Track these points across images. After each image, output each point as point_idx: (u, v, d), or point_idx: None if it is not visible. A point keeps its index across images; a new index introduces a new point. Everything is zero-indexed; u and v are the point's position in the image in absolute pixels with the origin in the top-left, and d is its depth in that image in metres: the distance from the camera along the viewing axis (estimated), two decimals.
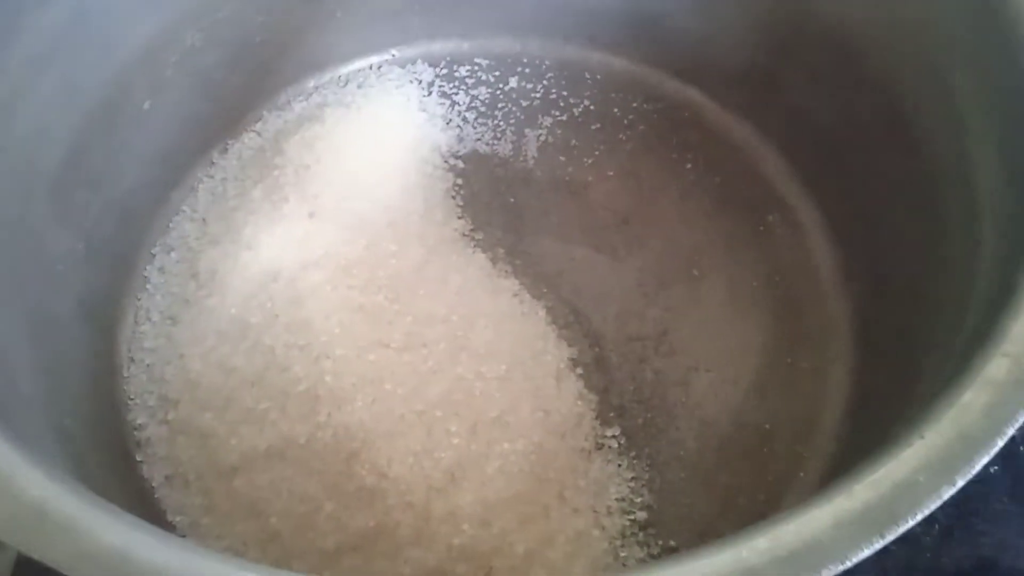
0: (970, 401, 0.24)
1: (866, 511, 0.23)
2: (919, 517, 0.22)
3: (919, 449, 0.24)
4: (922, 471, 0.23)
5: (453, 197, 0.51)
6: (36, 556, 0.23)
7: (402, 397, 0.41)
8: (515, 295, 0.48)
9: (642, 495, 0.42)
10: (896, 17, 0.43)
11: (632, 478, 0.43)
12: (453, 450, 0.40)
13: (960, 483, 0.23)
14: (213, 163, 0.53)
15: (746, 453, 0.43)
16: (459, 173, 0.53)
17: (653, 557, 0.41)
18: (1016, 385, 0.24)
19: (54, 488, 0.24)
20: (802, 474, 0.42)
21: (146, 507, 0.42)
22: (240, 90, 0.53)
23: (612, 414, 0.45)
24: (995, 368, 0.25)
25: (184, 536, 0.41)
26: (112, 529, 0.24)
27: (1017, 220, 0.31)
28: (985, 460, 0.23)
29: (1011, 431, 0.24)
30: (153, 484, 0.43)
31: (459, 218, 0.50)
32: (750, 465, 0.43)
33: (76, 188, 0.44)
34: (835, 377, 0.45)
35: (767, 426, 0.44)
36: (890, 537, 0.22)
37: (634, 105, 0.56)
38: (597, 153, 0.54)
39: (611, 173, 0.53)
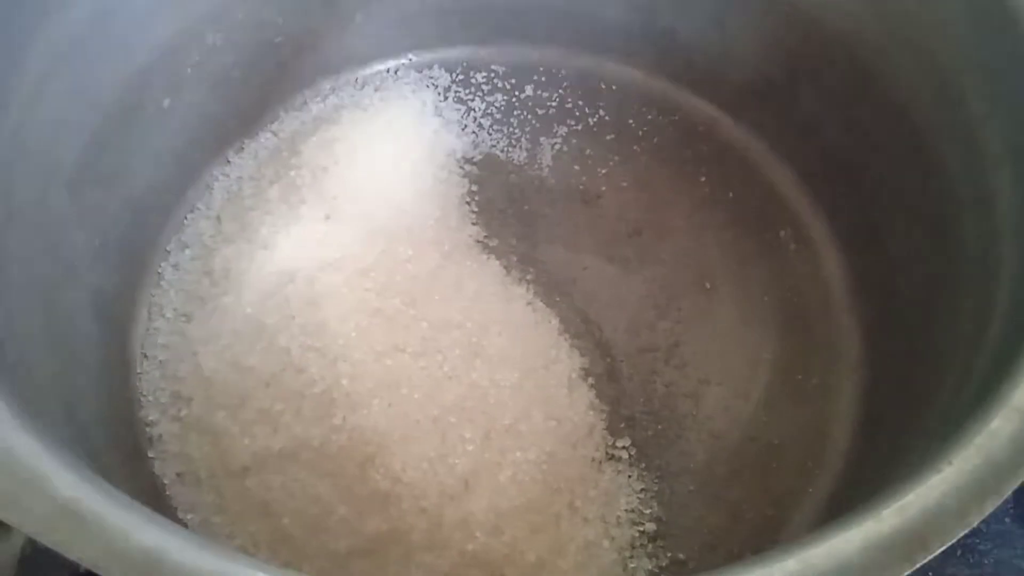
0: (998, 429, 0.25)
1: (895, 536, 0.23)
2: (948, 544, 0.23)
3: (948, 475, 0.24)
4: (951, 497, 0.24)
5: (468, 203, 0.52)
6: (72, 556, 0.23)
7: (417, 402, 0.42)
8: (528, 303, 0.48)
9: (651, 507, 0.43)
10: (911, 39, 0.43)
11: (642, 489, 0.43)
12: (467, 457, 0.41)
13: (988, 511, 0.23)
14: (229, 162, 0.53)
15: (755, 467, 0.44)
16: (474, 179, 0.53)
17: (662, 569, 0.41)
18: None
19: (87, 489, 0.24)
20: (811, 489, 0.43)
21: (157, 504, 0.42)
22: (257, 90, 0.53)
23: (622, 425, 0.45)
24: (1022, 397, 0.25)
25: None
26: (145, 530, 0.24)
27: None
28: (1013, 488, 0.24)
29: None
30: (165, 481, 0.43)
31: (473, 224, 0.51)
32: (759, 479, 0.44)
33: (93, 185, 0.44)
34: (845, 394, 0.45)
35: (776, 441, 0.45)
36: (919, 563, 0.22)
37: (649, 117, 0.56)
38: (611, 163, 0.55)
39: (624, 184, 0.54)
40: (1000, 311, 0.32)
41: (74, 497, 0.24)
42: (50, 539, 0.23)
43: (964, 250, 0.38)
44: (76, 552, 0.23)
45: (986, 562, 0.43)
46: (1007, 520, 0.45)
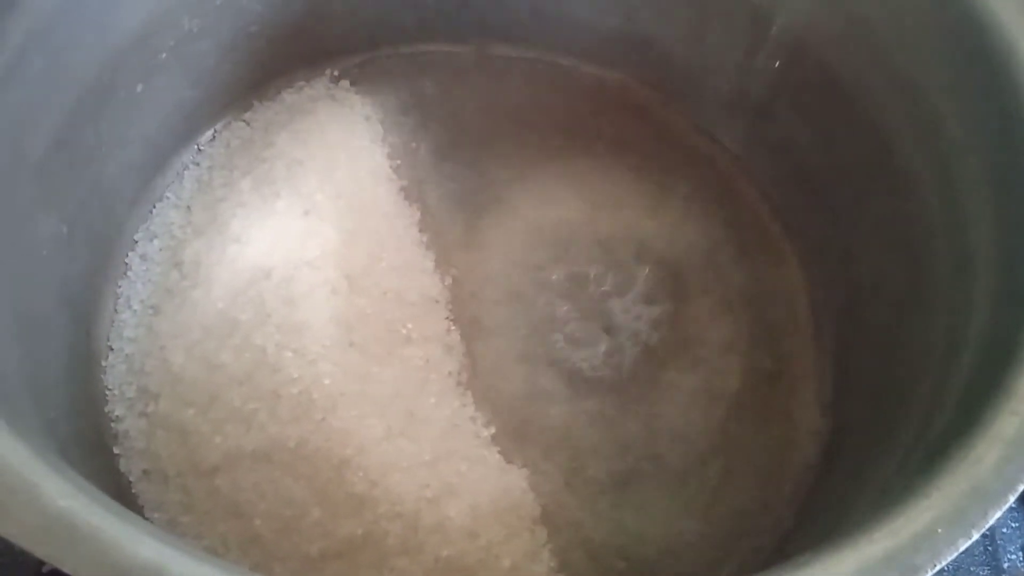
0: (982, 456, 0.26)
1: (887, 559, 0.24)
2: (938, 567, 0.24)
3: (936, 501, 0.25)
4: (940, 522, 0.25)
5: (448, 200, 0.51)
6: (65, 569, 0.23)
7: (400, 406, 0.41)
8: None
9: (625, 512, 0.43)
10: (891, 66, 0.44)
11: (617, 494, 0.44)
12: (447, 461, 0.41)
13: (975, 535, 0.24)
14: (200, 150, 0.51)
15: (723, 478, 0.45)
16: (451, 176, 0.52)
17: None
18: None
19: (81, 499, 0.24)
20: (777, 499, 0.44)
21: (123, 502, 0.40)
22: (231, 78, 0.52)
23: None
24: (1005, 426, 0.26)
25: None
26: (142, 543, 0.23)
27: (1015, 274, 0.32)
28: (998, 515, 0.25)
29: (1021, 488, 0.25)
30: (130, 479, 0.42)
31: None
32: (727, 490, 0.44)
33: (62, 170, 0.42)
34: (811, 407, 0.46)
35: (744, 454, 0.45)
36: None
37: (623, 121, 0.56)
38: (582, 165, 0.55)
39: (595, 190, 0.54)
40: (975, 337, 0.33)
41: (68, 507, 0.23)
42: (42, 551, 0.23)
43: (935, 274, 0.39)
44: (69, 565, 0.23)
45: None
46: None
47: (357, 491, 0.40)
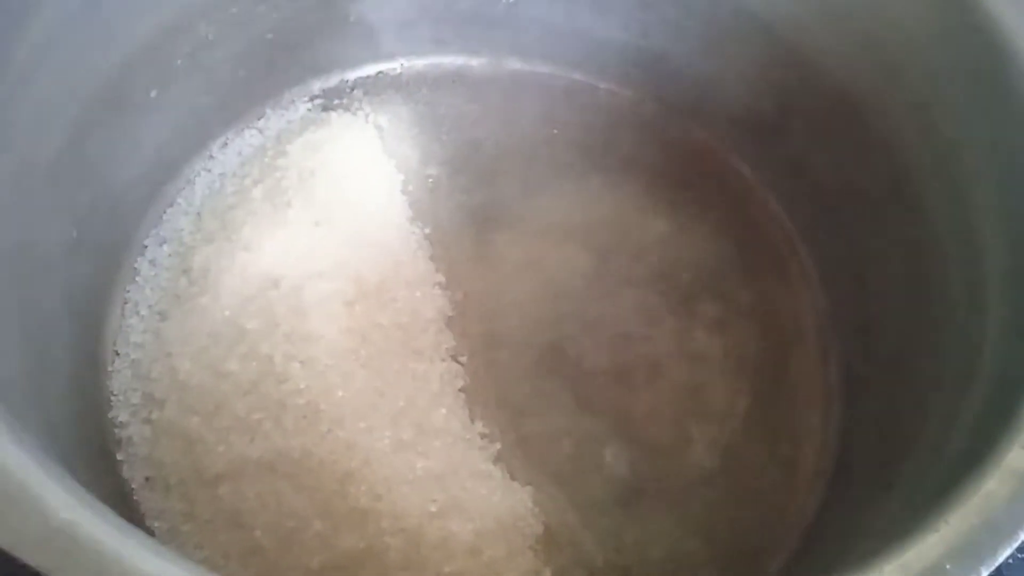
0: (994, 491, 0.26)
1: None
2: None
3: (946, 535, 0.25)
4: (949, 558, 0.24)
5: (459, 213, 0.51)
6: None
7: (409, 420, 0.41)
8: None
9: (627, 532, 0.43)
10: (904, 87, 0.44)
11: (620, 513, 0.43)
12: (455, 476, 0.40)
13: (984, 573, 0.24)
14: (212, 157, 0.51)
15: (729, 500, 0.44)
16: (463, 189, 0.52)
17: None
18: None
19: (83, 512, 0.24)
20: (784, 522, 0.43)
21: (124, 509, 0.41)
22: (245, 86, 0.52)
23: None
24: (1018, 460, 0.26)
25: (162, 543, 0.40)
26: (145, 559, 0.23)
27: None
28: (1009, 551, 0.24)
29: None
30: (132, 486, 0.42)
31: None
32: (733, 512, 0.44)
33: (73, 175, 0.42)
34: (817, 431, 0.46)
35: (751, 476, 0.45)
36: None
37: (636, 137, 0.56)
38: (595, 181, 0.55)
39: (607, 205, 0.54)
40: (987, 369, 0.33)
41: (69, 520, 0.23)
42: (43, 564, 0.23)
43: (948, 303, 0.38)
44: None
45: None
46: None
47: (360, 504, 0.39)
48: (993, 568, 0.24)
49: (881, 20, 0.44)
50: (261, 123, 0.53)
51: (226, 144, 0.52)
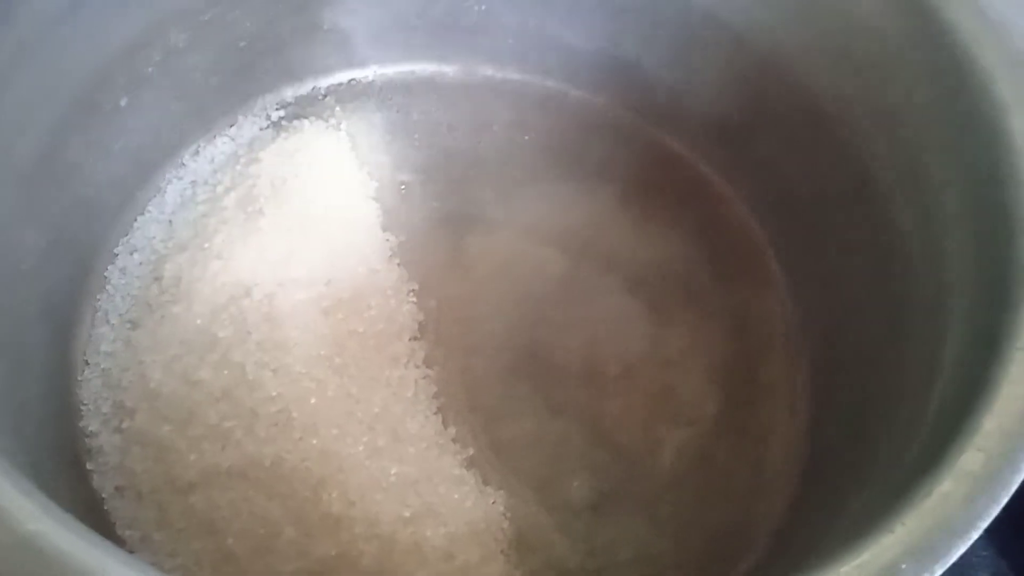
0: (949, 492, 0.26)
1: None
2: None
3: (901, 536, 0.25)
4: (905, 558, 0.25)
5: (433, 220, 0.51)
6: None
7: (383, 427, 0.41)
8: None
9: (599, 535, 0.43)
10: (869, 94, 0.45)
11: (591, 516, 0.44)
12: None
13: (939, 572, 0.25)
14: (184, 165, 0.51)
15: (698, 502, 0.45)
16: (437, 197, 0.53)
17: None
18: (991, 480, 0.26)
19: (50, 523, 0.24)
20: (753, 524, 0.44)
21: (95, 518, 0.41)
22: (217, 93, 0.52)
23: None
24: (971, 461, 0.27)
25: (133, 552, 0.40)
26: (113, 571, 0.23)
27: (986, 312, 0.33)
28: (963, 550, 0.25)
29: (986, 524, 0.26)
30: (103, 495, 0.42)
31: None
32: (704, 512, 0.44)
33: (46, 182, 0.42)
34: (788, 433, 0.47)
35: (718, 479, 0.45)
36: None
37: (608, 144, 0.56)
38: (567, 188, 0.55)
39: (579, 211, 0.54)
40: (945, 371, 0.34)
41: (36, 531, 0.23)
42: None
43: (913, 307, 0.39)
44: None
45: None
46: None
47: (334, 511, 0.40)
48: (947, 567, 0.25)
49: (847, 28, 0.44)
50: (233, 130, 0.53)
51: (198, 151, 0.52)
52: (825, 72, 0.47)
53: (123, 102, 0.46)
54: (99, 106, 0.45)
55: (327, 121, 0.53)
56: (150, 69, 0.47)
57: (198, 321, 0.44)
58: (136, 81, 0.47)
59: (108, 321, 0.46)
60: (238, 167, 0.50)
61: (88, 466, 0.42)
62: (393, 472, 0.41)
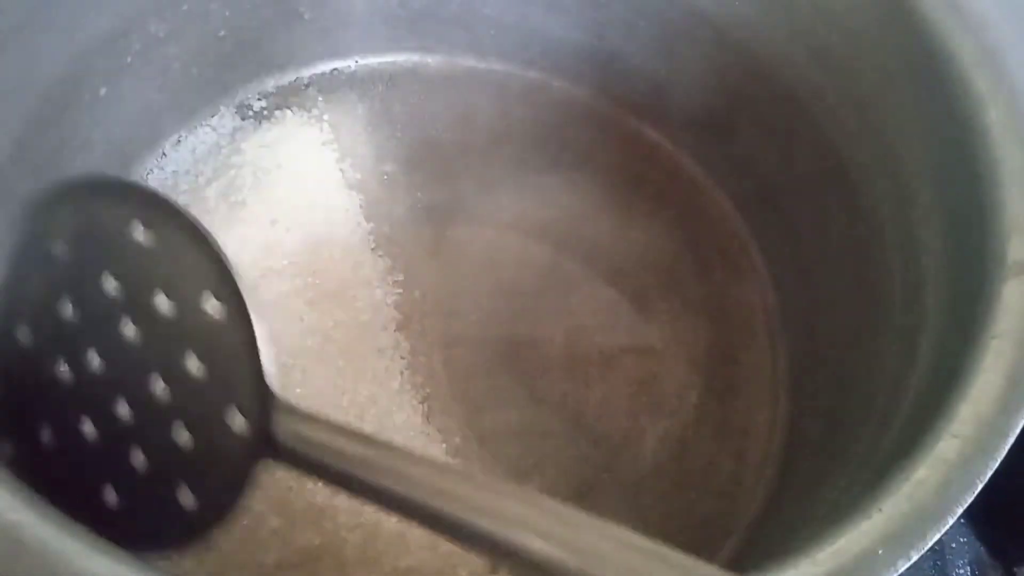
0: (924, 478, 0.27)
1: None
2: None
3: (877, 522, 0.26)
4: (881, 543, 0.25)
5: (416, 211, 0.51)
6: None
7: (368, 418, 0.42)
8: None
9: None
10: (848, 87, 0.45)
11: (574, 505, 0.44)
12: None
13: (915, 557, 0.25)
14: (165, 155, 0.51)
15: (676, 490, 0.45)
16: (420, 187, 0.53)
17: None
18: (965, 466, 0.27)
19: (29, 513, 0.24)
20: (733, 512, 0.44)
21: None
22: (198, 83, 0.52)
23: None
24: (946, 448, 0.27)
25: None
26: (91, 559, 0.23)
27: (961, 301, 0.33)
28: (938, 536, 0.25)
29: (961, 509, 0.26)
30: None
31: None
32: (685, 500, 0.45)
33: (24, 173, 0.42)
34: (766, 423, 0.47)
35: (697, 467, 0.46)
36: None
37: (590, 136, 0.57)
38: (549, 179, 0.55)
39: (562, 201, 0.54)
40: (921, 360, 0.34)
41: (15, 521, 0.23)
42: None
43: (889, 298, 0.39)
44: None
45: None
46: None
47: (317, 501, 0.40)
48: (923, 551, 0.25)
49: (826, 22, 0.45)
50: (215, 120, 0.53)
51: (179, 142, 0.52)
52: (803, 65, 0.47)
53: (102, 92, 0.46)
54: (77, 97, 0.44)
55: (309, 111, 0.53)
56: (129, 59, 0.47)
57: None
58: (115, 71, 0.46)
59: None
60: (220, 158, 0.50)
61: None
62: None
